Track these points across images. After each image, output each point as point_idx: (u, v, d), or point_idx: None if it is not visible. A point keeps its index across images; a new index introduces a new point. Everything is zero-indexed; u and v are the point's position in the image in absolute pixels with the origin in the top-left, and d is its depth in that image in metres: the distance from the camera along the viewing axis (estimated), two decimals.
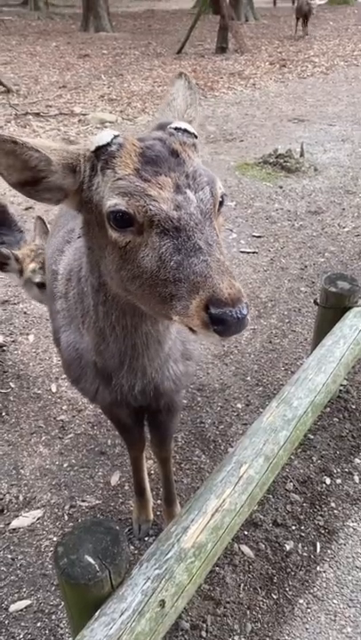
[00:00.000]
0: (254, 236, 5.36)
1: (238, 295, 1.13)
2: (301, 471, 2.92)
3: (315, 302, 3.17)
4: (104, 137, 1.32)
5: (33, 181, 1.33)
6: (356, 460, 2.99)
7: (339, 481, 2.87)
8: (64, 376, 3.62)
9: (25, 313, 4.34)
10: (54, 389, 3.57)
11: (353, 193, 6.24)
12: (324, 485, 2.85)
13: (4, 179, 1.31)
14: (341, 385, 3.46)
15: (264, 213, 5.78)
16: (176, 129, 1.38)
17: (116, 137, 1.32)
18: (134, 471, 2.61)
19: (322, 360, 2.58)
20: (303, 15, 16.63)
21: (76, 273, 1.72)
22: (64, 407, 3.44)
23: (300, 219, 5.67)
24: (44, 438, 3.21)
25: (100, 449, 3.13)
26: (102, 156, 1.31)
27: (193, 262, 1.17)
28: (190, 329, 1.22)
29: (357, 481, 2.88)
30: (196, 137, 1.40)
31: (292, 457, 3.01)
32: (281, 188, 6.33)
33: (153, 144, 1.32)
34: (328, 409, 3.32)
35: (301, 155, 6.84)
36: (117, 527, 1.75)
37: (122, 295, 1.45)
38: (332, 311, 2.99)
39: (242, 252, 5.11)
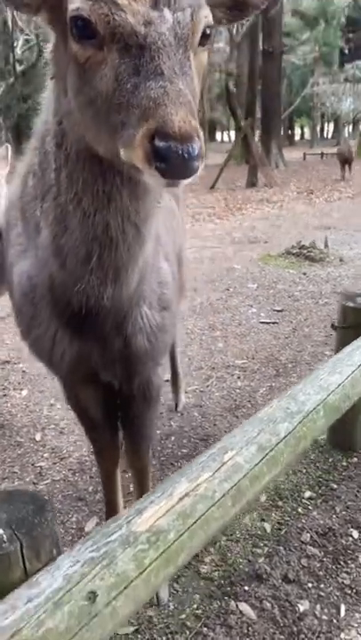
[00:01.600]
0: (276, 310, 5.08)
1: (191, 132, 0.94)
2: (321, 522, 2.32)
3: (332, 326, 2.79)
4: None
5: None
6: None
7: None
8: (51, 425, 3.24)
9: (23, 372, 4.04)
10: (38, 438, 3.15)
11: None
12: (350, 539, 2.23)
13: None
14: None
15: (286, 293, 5.55)
16: None
17: None
18: (106, 491, 2.11)
19: (338, 363, 2.14)
20: (345, 159, 17.41)
21: (39, 137, 1.41)
22: (45, 455, 2.98)
23: (325, 297, 5.39)
24: (16, 483, 2.73)
25: (79, 495, 2.62)
26: None
27: (150, 86, 0.98)
28: (135, 168, 1.02)
29: None
30: None
31: (310, 507, 2.43)
32: (305, 274, 6.16)
33: None
34: (355, 459, 2.76)
35: (326, 246, 6.76)
36: (46, 498, 1.30)
37: (81, 139, 1.21)
38: (352, 331, 2.59)
39: (262, 322, 4.80)
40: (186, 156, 0.93)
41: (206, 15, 1.13)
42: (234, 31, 17.55)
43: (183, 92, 0.98)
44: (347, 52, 32.00)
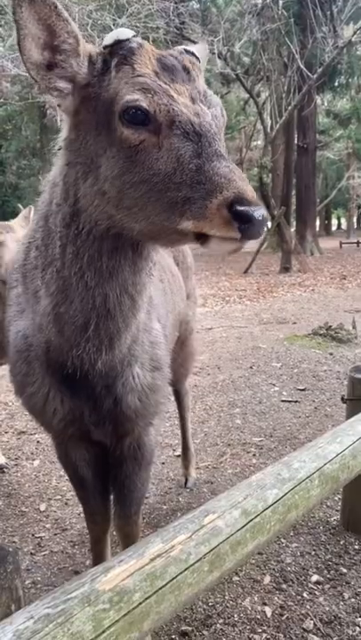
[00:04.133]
0: (298, 389, 4.98)
1: (258, 200, 1.13)
2: (327, 609, 2.15)
3: (342, 399, 2.72)
4: (124, 32, 1.27)
5: (47, 65, 1.25)
6: None
7: None
8: (58, 496, 3.20)
9: (38, 442, 4.03)
10: (43, 508, 3.09)
11: None
12: (357, 629, 2.05)
13: (24, 54, 1.21)
14: None
15: (311, 372, 5.46)
16: (185, 50, 1.35)
17: (135, 35, 1.28)
18: (94, 556, 2.05)
19: (338, 432, 2.07)
20: None
21: (42, 216, 1.51)
22: (47, 525, 2.91)
23: None
24: None
25: (76, 568, 2.52)
26: (120, 51, 1.25)
27: (216, 166, 1.15)
28: (199, 237, 1.19)
29: None
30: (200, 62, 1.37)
31: (317, 592, 2.26)
32: (331, 354, 6.06)
33: (167, 55, 1.30)
34: None
35: (354, 327, 6.70)
36: (11, 549, 1.27)
37: (104, 221, 1.32)
38: (360, 404, 2.52)
39: (283, 400, 4.71)
40: (264, 216, 1.11)
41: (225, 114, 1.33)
42: (268, 128, 18.50)
43: (239, 170, 1.17)
44: None
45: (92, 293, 1.41)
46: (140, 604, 1.24)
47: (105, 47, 1.28)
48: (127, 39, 1.26)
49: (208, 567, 1.41)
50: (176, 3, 12.40)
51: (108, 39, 1.28)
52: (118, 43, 1.26)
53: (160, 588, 1.28)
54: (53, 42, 1.22)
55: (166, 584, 1.30)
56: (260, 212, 1.10)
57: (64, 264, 1.42)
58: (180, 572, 1.34)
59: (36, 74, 1.24)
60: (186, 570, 1.35)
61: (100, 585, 1.22)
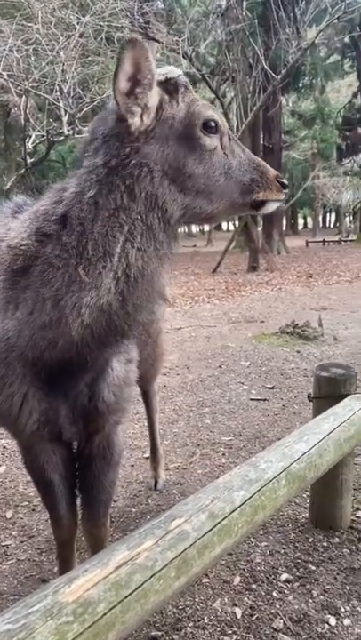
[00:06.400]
0: (267, 387, 5.01)
1: None
2: (296, 607, 2.16)
3: (308, 397, 2.73)
4: (175, 70, 1.56)
5: (127, 92, 1.43)
6: None
7: (347, 622, 2.08)
8: (25, 502, 3.14)
9: (4, 447, 3.95)
10: (9, 515, 3.02)
11: None
12: (326, 626, 2.06)
13: (115, 82, 1.41)
14: (356, 516, 2.77)
15: (279, 370, 5.50)
16: None
17: (180, 75, 1.57)
18: (60, 562, 2.01)
19: (305, 431, 2.08)
20: None
21: (78, 217, 1.48)
22: (14, 533, 2.85)
23: None
24: None
25: (43, 576, 2.47)
26: (180, 83, 1.54)
27: (254, 156, 1.68)
28: (255, 205, 1.67)
29: None
30: None
31: (286, 591, 2.27)
32: (298, 352, 6.13)
33: None
34: (337, 539, 2.60)
35: (320, 325, 6.78)
36: None
37: (178, 211, 1.53)
38: (326, 402, 2.53)
39: (252, 399, 4.73)
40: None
41: None
42: (234, 128, 18.57)
43: None
44: (344, 148, 33.69)
45: (151, 278, 1.51)
46: (105, 614, 1.21)
47: (164, 81, 1.52)
48: (179, 75, 1.56)
49: (175, 573, 1.39)
50: (140, 2, 12.31)
51: (164, 75, 1.53)
52: (172, 78, 1.53)
53: (125, 597, 1.26)
54: (137, 75, 1.43)
55: (132, 593, 1.27)
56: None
57: (130, 254, 1.47)
58: (146, 580, 1.31)
59: (119, 97, 1.43)
60: (152, 577, 1.33)
61: (64, 597, 1.19)
